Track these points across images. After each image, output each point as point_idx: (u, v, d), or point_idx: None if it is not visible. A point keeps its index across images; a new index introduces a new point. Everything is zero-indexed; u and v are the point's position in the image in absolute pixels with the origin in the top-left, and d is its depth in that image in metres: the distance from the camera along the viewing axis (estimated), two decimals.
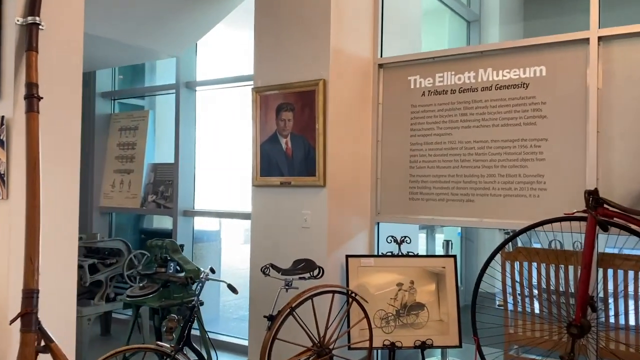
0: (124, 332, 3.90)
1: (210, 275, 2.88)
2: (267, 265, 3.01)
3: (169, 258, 3.59)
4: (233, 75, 4.64)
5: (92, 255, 4.60)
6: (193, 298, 2.96)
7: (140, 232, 5.87)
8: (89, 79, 5.61)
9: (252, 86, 3.92)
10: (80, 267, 4.25)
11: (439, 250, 5.28)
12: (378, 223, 4.04)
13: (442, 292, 3.65)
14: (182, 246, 3.71)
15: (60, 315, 2.27)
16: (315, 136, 3.58)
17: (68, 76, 1.83)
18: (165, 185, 5.19)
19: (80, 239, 4.58)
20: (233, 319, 5.94)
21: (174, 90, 5.06)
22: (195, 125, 5.11)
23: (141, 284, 3.55)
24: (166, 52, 4.42)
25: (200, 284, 2.84)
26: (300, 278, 3.09)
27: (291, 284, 3.06)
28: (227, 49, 5.54)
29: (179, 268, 3.55)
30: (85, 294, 4.53)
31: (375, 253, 3.99)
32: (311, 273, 3.11)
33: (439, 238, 6.02)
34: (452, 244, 4.32)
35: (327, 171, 3.58)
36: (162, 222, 5.80)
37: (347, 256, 3.66)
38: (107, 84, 5.73)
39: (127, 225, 5.97)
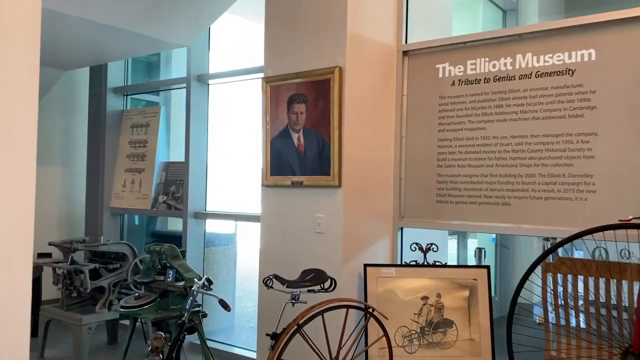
0: (132, 340, 3.58)
1: (202, 288, 2.52)
2: (270, 277, 2.64)
3: (168, 265, 3.26)
4: (248, 67, 4.29)
5: (96, 259, 4.32)
6: (188, 311, 2.61)
7: (152, 235, 5.58)
8: (100, 74, 5.36)
9: (262, 77, 3.56)
10: (80, 272, 3.97)
11: (471, 258, 4.83)
12: (401, 228, 3.63)
13: (473, 307, 3.22)
14: (183, 252, 3.38)
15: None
16: (330, 131, 3.20)
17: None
18: (177, 186, 4.89)
19: (82, 241, 4.31)
20: (249, 328, 5.59)
21: (184, 85, 4.74)
22: (208, 121, 4.78)
23: (136, 293, 3.22)
24: (176, 42, 4.10)
25: (191, 297, 2.49)
26: (308, 291, 2.71)
27: (298, 298, 2.68)
28: (241, 40, 5.21)
29: (178, 276, 3.21)
30: (87, 300, 4.25)
31: (398, 262, 3.58)
32: (321, 285, 2.72)
33: (472, 244, 5.55)
34: (485, 252, 3.89)
35: (342, 170, 3.19)
36: (176, 224, 5.50)
37: (366, 265, 3.27)
38: (119, 79, 5.46)
39: (138, 227, 5.70)
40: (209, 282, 2.69)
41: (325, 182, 3.23)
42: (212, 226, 5.01)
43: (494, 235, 5.81)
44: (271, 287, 2.62)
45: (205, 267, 4.95)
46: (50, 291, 4.89)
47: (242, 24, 5.39)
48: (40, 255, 4.65)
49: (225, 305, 2.55)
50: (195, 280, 2.77)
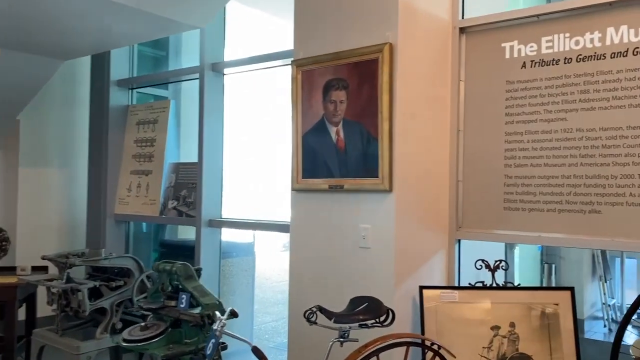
0: None
1: (227, 327, 1.92)
2: (314, 309, 2.04)
3: (180, 287, 2.67)
4: (269, 52, 3.69)
5: (96, 275, 3.74)
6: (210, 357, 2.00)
7: (161, 245, 5.01)
8: (102, 65, 4.79)
9: (292, 59, 2.96)
10: (77, 291, 3.39)
11: (525, 273, 4.20)
12: (459, 241, 3.02)
13: (554, 339, 2.61)
14: (198, 270, 2.79)
15: None
16: (377, 123, 2.60)
17: None
18: (188, 190, 4.31)
19: (80, 254, 3.73)
20: (270, 349, 4.99)
21: (197, 75, 4.16)
22: (223, 116, 4.20)
23: (143, 323, 2.63)
24: (189, 22, 3.51)
25: (213, 340, 1.89)
26: (361, 326, 2.11)
27: (348, 335, 2.08)
28: (257, 32, 4.63)
29: (193, 302, 2.62)
30: (87, 323, 3.67)
31: (457, 282, 2.97)
32: (377, 319, 2.12)
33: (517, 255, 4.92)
34: (555, 268, 3.28)
35: (394, 171, 2.59)
36: (187, 232, 4.90)
37: (422, 288, 2.66)
38: (124, 71, 4.89)
39: (146, 235, 5.13)
40: (234, 314, 2.10)
41: (372, 186, 2.63)
42: (228, 235, 4.43)
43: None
44: (315, 323, 2.02)
45: (221, 280, 4.37)
46: (47, 307, 4.33)
47: (259, 16, 4.81)
48: (34, 269, 4.09)
49: (259, 355, 1.93)
50: (217, 313, 2.17)
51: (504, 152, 2.88)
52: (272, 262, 9.51)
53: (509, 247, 4.61)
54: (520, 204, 2.83)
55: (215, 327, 1.90)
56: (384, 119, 2.56)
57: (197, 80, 4.16)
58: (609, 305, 5.68)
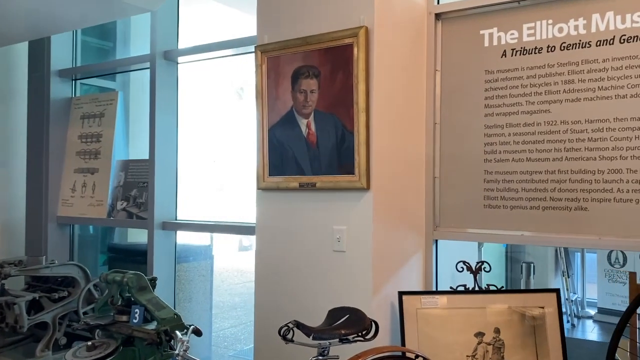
0: None
1: (188, 346, 1.64)
2: (290, 325, 1.79)
3: (133, 300, 2.37)
4: (230, 39, 3.39)
5: (37, 285, 3.37)
6: None
7: (109, 249, 4.63)
8: (41, 53, 4.36)
9: (256, 45, 2.70)
10: (13, 304, 3.02)
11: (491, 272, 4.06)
12: (436, 241, 2.83)
13: (541, 345, 2.46)
14: (153, 281, 2.49)
15: None
16: (353, 114, 2.37)
17: None
18: (139, 189, 3.96)
19: (17, 263, 3.34)
20: (229, 357, 4.70)
21: (148, 64, 3.82)
22: (177, 109, 3.88)
23: (90, 342, 2.31)
24: (139, 4, 3.18)
25: None
26: (342, 341, 1.88)
27: (328, 353, 1.85)
28: (217, 14, 4.32)
29: (148, 316, 2.32)
30: (26, 340, 3.30)
31: (434, 286, 2.78)
32: (360, 333, 1.89)
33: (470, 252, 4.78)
34: (534, 266, 3.15)
35: (372, 167, 2.37)
36: (139, 235, 4.54)
37: (401, 293, 2.46)
38: (66, 60, 4.47)
39: (92, 239, 4.73)
40: (197, 333, 1.82)
41: (348, 184, 2.40)
42: (184, 238, 4.11)
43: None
44: (291, 341, 1.78)
45: (177, 287, 4.05)
46: None
47: (216, 7, 4.50)
48: None
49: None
50: (177, 333, 1.88)
51: (483, 146, 2.71)
52: (228, 262, 9.19)
53: (479, 246, 4.48)
54: (502, 201, 2.66)
55: (177, 351, 1.62)
56: (361, 110, 2.34)
57: (148, 70, 3.82)
58: (572, 301, 5.67)
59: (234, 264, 9.54)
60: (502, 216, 2.65)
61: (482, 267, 2.59)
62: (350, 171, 2.38)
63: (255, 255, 2.71)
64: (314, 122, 2.49)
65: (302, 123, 2.53)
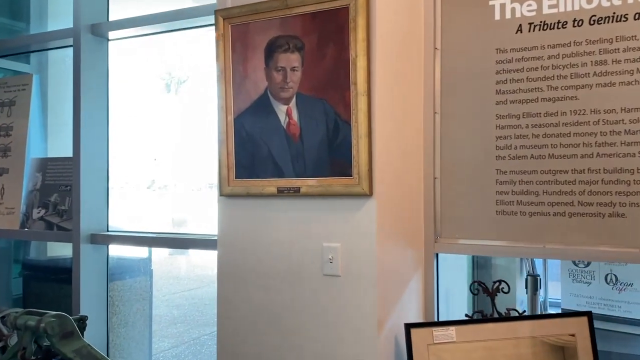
0: None
1: None
2: None
3: (53, 351, 1.72)
4: (175, 9, 2.75)
5: None
6: None
7: (24, 267, 3.85)
8: None
9: (215, 9, 2.10)
10: None
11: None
12: (437, 255, 2.34)
13: None
14: (82, 322, 1.84)
15: None
16: (349, 98, 1.83)
17: None
18: (61, 194, 3.25)
19: None
20: None
21: (71, 41, 3.11)
22: (108, 96, 3.20)
23: None
24: None
25: None
26: None
27: None
28: None
29: None
30: None
31: (436, 312, 2.29)
32: None
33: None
34: (540, 280, 2.73)
35: (375, 166, 1.84)
36: (63, 249, 3.77)
37: (408, 326, 1.94)
38: None
39: (3, 255, 3.93)
40: None
41: (343, 189, 1.86)
42: (117, 250, 3.44)
43: None
44: None
45: (110, 310, 3.36)
46: None
47: None
48: None
49: None
50: None
51: (495, 140, 2.24)
52: (160, 268, 8.41)
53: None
54: (518, 206, 2.21)
55: None
56: (360, 92, 1.80)
57: (71, 49, 3.12)
58: (495, 282, 5.35)
59: (167, 269, 8.78)
60: (519, 225, 2.20)
61: (500, 287, 2.13)
62: (346, 172, 1.85)
63: (218, 280, 2.11)
64: (296, 109, 1.93)
65: (280, 110, 1.96)
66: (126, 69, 3.47)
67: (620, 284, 2.97)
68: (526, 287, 2.73)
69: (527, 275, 2.76)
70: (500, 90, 2.24)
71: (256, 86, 2.00)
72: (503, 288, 2.14)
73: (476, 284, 2.11)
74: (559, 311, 6.16)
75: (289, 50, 1.93)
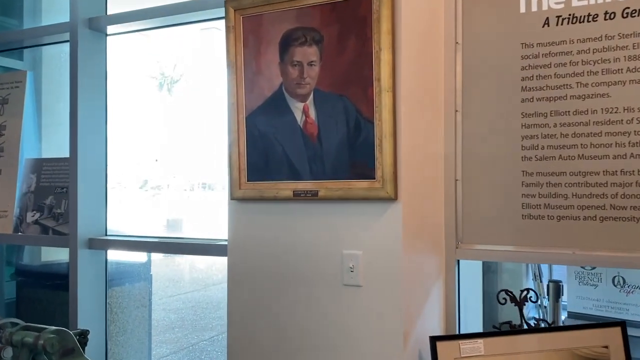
0: None
1: None
2: None
3: None
4: (179, 1, 2.60)
5: None
6: None
7: (17, 272, 3.69)
8: None
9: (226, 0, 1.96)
10: None
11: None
12: (458, 262, 2.22)
13: None
14: (83, 337, 1.70)
15: None
16: (372, 95, 1.70)
17: None
18: (57, 196, 3.10)
19: None
20: None
21: (68, 36, 2.97)
22: (107, 94, 3.05)
23: None
24: None
25: None
26: None
27: None
28: None
29: None
30: None
31: (457, 323, 2.16)
32: None
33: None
34: (563, 287, 2.61)
35: (400, 168, 1.71)
36: (59, 253, 3.61)
37: (434, 339, 1.81)
38: None
39: None
40: None
41: (365, 192, 1.73)
42: (115, 255, 3.29)
43: None
44: None
45: (108, 318, 3.22)
46: None
47: None
48: None
49: None
50: None
51: (520, 140, 2.12)
52: (155, 269, 8.22)
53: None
54: (546, 210, 2.08)
55: None
56: (385, 88, 1.67)
57: (67, 44, 2.97)
58: (545, 307, 5.30)
59: (163, 270, 8.61)
60: (547, 230, 2.07)
61: (528, 296, 2.01)
62: (369, 174, 1.71)
63: (228, 290, 1.98)
64: (314, 107, 1.80)
65: (297, 108, 1.83)
66: (119, 67, 3.33)
67: (628, 287, 2.85)
68: (547, 295, 2.60)
69: (548, 282, 2.64)
70: (526, 87, 2.11)
71: (270, 82, 1.87)
72: (531, 297, 2.02)
73: (503, 292, 1.98)
74: (565, 315, 6.00)
75: (306, 44, 1.80)
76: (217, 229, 2.37)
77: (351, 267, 1.75)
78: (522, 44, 2.12)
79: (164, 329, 5.62)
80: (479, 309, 2.81)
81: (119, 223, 3.31)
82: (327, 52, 1.77)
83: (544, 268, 6.14)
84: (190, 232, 7.65)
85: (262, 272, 1.90)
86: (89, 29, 2.93)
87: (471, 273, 2.69)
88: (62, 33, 3.01)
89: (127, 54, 3.33)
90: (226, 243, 2.06)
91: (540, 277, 5.28)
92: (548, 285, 2.65)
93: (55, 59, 3.46)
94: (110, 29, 2.96)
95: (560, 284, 2.58)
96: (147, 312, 3.59)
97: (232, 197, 1.94)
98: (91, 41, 2.96)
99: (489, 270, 4.01)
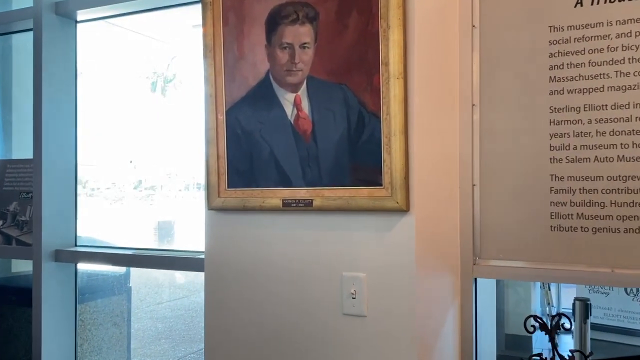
0: None
1: None
2: None
3: None
4: None
5: None
6: None
7: None
8: None
9: None
10: None
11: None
12: (475, 281, 1.91)
13: None
14: None
15: None
16: (379, 83, 1.39)
17: None
18: (21, 202, 2.78)
19: None
20: None
21: (31, 23, 2.65)
22: (76, 87, 2.74)
23: None
24: None
25: None
26: None
27: None
28: None
29: None
30: None
31: (475, 352, 1.85)
32: None
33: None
34: (590, 306, 2.31)
35: (412, 173, 1.40)
36: (28, 265, 3.27)
37: None
38: None
39: None
40: None
41: (370, 202, 1.42)
42: (88, 265, 2.97)
43: None
44: None
45: (80, 337, 2.90)
46: None
47: None
48: None
49: None
50: None
51: (548, 138, 1.81)
52: (143, 276, 7.89)
53: None
54: (579, 220, 1.78)
55: None
56: (394, 75, 1.36)
57: (32, 32, 2.65)
58: (554, 316, 5.03)
59: (148, 275, 8.25)
60: (580, 243, 1.77)
61: (561, 323, 1.70)
62: (375, 180, 1.41)
63: (205, 313, 1.66)
64: (307, 98, 1.49)
65: (287, 100, 1.51)
66: (114, 66, 3.04)
67: None
68: (573, 315, 2.30)
69: (574, 300, 2.34)
70: (554, 77, 1.81)
71: (255, 69, 1.55)
72: (564, 324, 1.71)
73: (532, 319, 1.68)
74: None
75: (298, 22, 1.49)
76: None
77: (353, 293, 1.44)
78: (551, 27, 1.82)
79: (150, 340, 5.29)
80: (492, 322, 2.51)
81: (111, 224, 3.00)
82: (324, 31, 1.46)
83: None
84: (181, 233, 7.34)
85: (244, 298, 1.59)
86: (55, 14, 2.61)
87: (483, 287, 2.39)
88: (25, 20, 2.69)
89: (119, 54, 3.04)
90: None
91: (548, 285, 4.99)
92: (574, 304, 2.34)
93: (21, 48, 3.14)
94: (80, 14, 2.64)
95: (589, 302, 2.27)
96: (125, 328, 3.27)
97: (210, 207, 1.63)
98: (58, 28, 2.65)
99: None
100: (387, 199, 1.39)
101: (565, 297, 5.56)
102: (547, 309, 4.92)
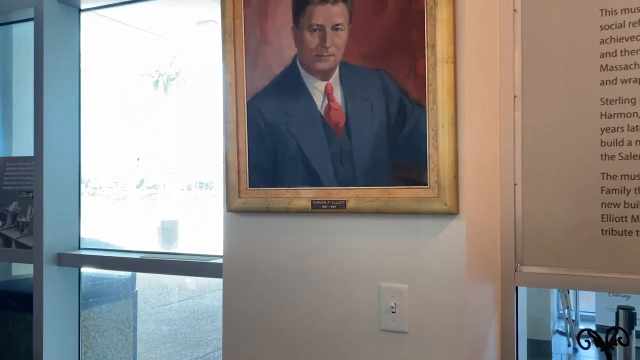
0: None
1: None
2: None
3: None
4: None
5: None
6: None
7: None
8: None
9: None
10: None
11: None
12: (517, 289, 1.74)
13: None
14: None
15: None
16: (424, 69, 1.23)
17: None
18: (22, 202, 2.63)
19: None
20: None
21: (32, 13, 2.50)
22: (80, 81, 2.59)
23: None
24: None
25: None
26: None
27: None
28: None
29: None
30: None
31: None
32: None
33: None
34: (635, 315, 2.14)
35: (462, 172, 1.23)
36: (30, 267, 3.11)
37: None
38: None
39: None
40: None
41: (414, 204, 1.25)
42: (93, 268, 2.81)
43: None
44: None
45: (84, 343, 2.75)
46: None
47: None
48: None
49: None
50: None
51: (599, 133, 1.65)
52: (148, 277, 7.74)
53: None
54: (634, 224, 1.61)
55: None
56: (442, 59, 1.20)
57: (32, 22, 2.50)
58: (573, 320, 4.90)
59: (154, 276, 8.10)
60: (635, 249, 1.61)
61: (617, 337, 1.54)
62: (419, 179, 1.24)
63: (223, 324, 1.50)
64: (340, 87, 1.32)
65: (316, 88, 1.35)
66: (110, 61, 2.89)
67: None
68: (617, 324, 2.14)
69: (617, 309, 2.17)
70: (606, 66, 1.64)
71: (280, 55, 1.39)
72: (621, 338, 1.55)
73: (586, 332, 1.51)
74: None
75: (329, 1, 1.32)
76: (215, 229, 1.95)
77: (392, 307, 1.28)
78: (602, 10, 1.65)
79: (155, 344, 5.14)
80: (524, 329, 2.34)
81: (114, 224, 2.84)
82: (359, 10, 1.30)
83: None
84: (186, 233, 7.19)
85: (268, 312, 1.43)
86: (57, 2, 2.46)
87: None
88: (26, 8, 2.53)
89: (122, 51, 2.90)
90: (222, 261, 1.60)
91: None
92: (617, 313, 2.18)
93: (21, 39, 2.99)
94: (84, 2, 2.49)
95: (634, 311, 2.11)
96: (131, 334, 3.11)
97: (229, 209, 1.46)
98: (61, 17, 2.50)
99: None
100: (434, 200, 1.22)
101: (583, 300, 5.41)
102: (566, 312, 4.77)
